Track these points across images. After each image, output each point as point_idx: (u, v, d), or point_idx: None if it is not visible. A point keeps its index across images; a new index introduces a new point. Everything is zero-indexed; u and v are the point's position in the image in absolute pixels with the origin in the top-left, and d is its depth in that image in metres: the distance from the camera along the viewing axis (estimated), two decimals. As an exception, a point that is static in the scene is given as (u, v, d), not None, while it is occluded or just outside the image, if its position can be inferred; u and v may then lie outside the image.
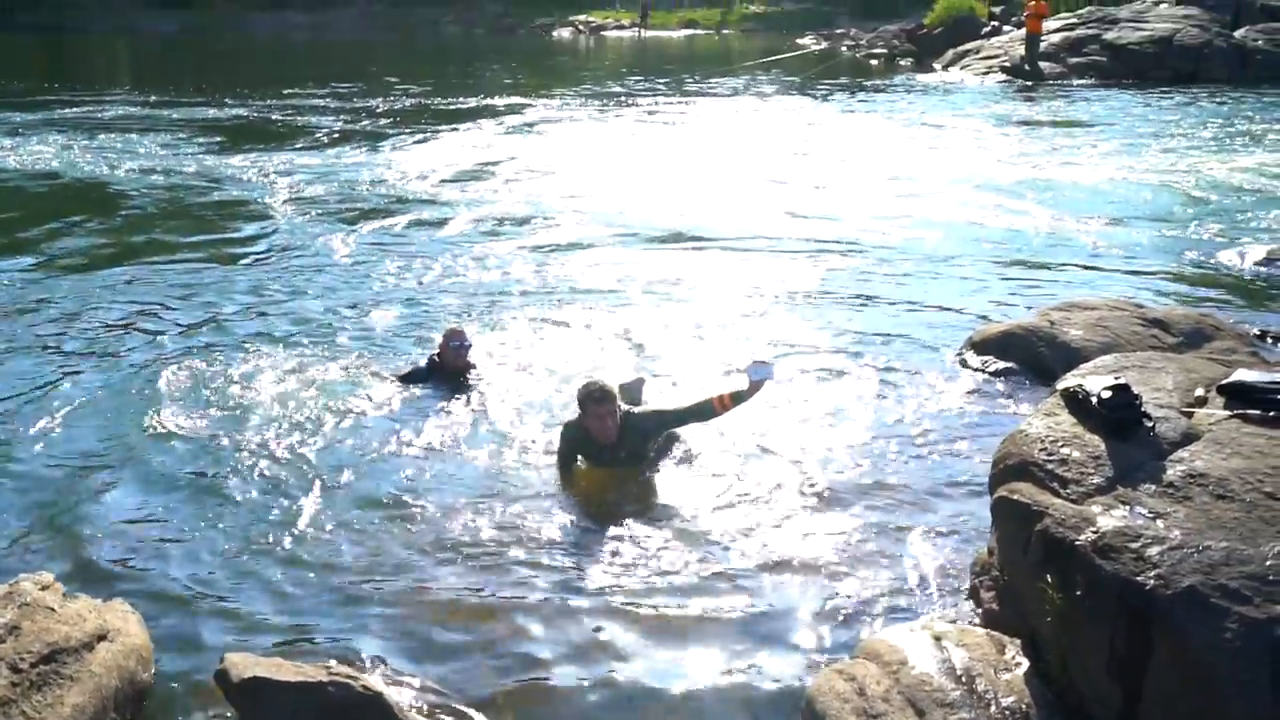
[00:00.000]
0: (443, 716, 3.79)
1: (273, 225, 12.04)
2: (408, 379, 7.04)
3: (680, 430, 5.98)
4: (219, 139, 18.33)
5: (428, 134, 19.30)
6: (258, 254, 10.76)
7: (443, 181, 14.61)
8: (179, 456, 5.98)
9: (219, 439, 6.17)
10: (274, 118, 21.60)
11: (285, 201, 13.26)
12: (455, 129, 19.85)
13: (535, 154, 17.03)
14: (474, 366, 7.12)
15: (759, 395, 5.73)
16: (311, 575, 4.77)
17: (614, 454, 5.70)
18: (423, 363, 7.17)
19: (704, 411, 5.78)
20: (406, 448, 6.11)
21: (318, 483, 5.64)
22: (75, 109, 22.29)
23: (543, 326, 8.25)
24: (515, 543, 5.05)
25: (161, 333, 8.11)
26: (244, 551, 4.97)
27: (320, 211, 12.69)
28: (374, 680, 3.56)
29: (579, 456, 5.80)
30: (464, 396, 6.78)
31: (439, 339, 7.24)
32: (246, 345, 7.74)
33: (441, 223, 12.07)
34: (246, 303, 8.94)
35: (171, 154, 16.83)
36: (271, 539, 5.08)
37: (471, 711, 3.83)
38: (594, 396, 5.56)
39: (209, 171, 15.32)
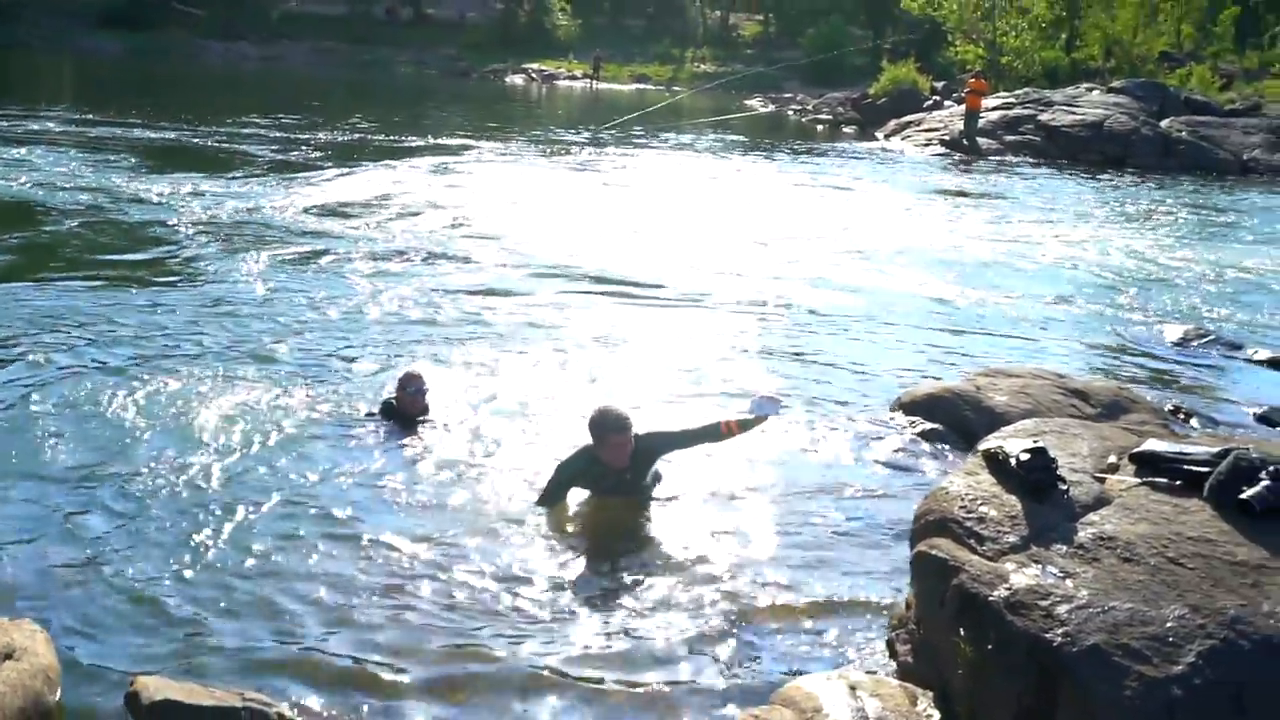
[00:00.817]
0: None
1: (191, 250, 11.85)
2: (364, 421, 6.87)
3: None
4: (150, 161, 18.08)
5: (367, 167, 19.29)
6: (174, 279, 10.56)
7: (379, 217, 14.58)
8: (96, 477, 5.84)
9: (143, 463, 6.05)
10: (209, 143, 21.39)
11: (206, 227, 13.06)
12: (394, 165, 19.75)
13: (476, 195, 17.06)
14: (428, 410, 6.95)
15: (761, 428, 5.88)
16: (229, 604, 4.68)
17: (620, 478, 5.73)
18: (375, 409, 6.98)
19: (712, 434, 5.85)
20: (351, 482, 5.98)
21: (246, 510, 5.54)
22: (4, 121, 21.83)
23: (484, 368, 8.21)
24: (455, 585, 4.98)
25: (87, 350, 7.96)
26: (162, 576, 4.86)
27: (247, 239, 12.47)
28: (287, 710, 3.51)
29: (575, 486, 5.79)
30: (421, 439, 6.65)
31: (393, 384, 7.10)
32: (170, 368, 7.60)
33: (374, 257, 11.99)
34: (165, 325, 8.80)
35: (98, 172, 16.55)
36: (191, 564, 4.98)
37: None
38: (616, 426, 5.56)
39: (134, 192, 15.09)
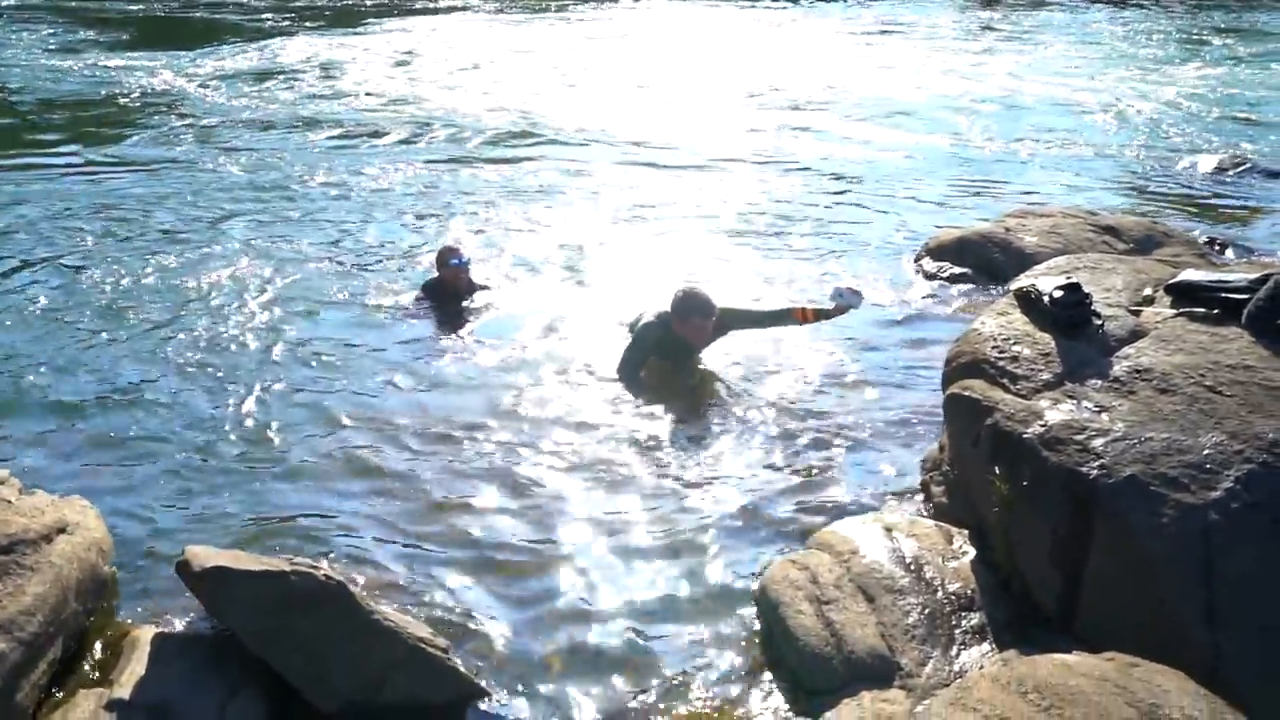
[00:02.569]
0: (411, 609, 3.85)
1: (197, 132, 11.69)
2: (405, 308, 6.55)
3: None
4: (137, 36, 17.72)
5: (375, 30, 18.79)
6: (190, 164, 10.42)
7: (396, 89, 14.28)
8: (141, 360, 5.91)
9: (183, 347, 6.08)
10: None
11: (212, 103, 12.87)
12: (391, 29, 19.21)
13: (490, 61, 16.65)
14: (481, 287, 6.66)
15: (840, 317, 5.82)
16: (277, 480, 4.75)
17: (691, 352, 5.80)
18: (414, 293, 6.67)
19: (784, 318, 5.88)
20: (395, 367, 5.89)
21: (292, 394, 5.55)
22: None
23: (527, 240, 8.06)
24: (509, 462, 4.96)
25: (130, 239, 7.95)
26: (208, 454, 4.95)
27: (261, 116, 12.35)
28: (336, 572, 3.59)
29: (652, 357, 5.78)
30: (469, 320, 6.44)
31: (432, 259, 6.82)
32: (203, 261, 7.56)
33: (388, 135, 11.76)
34: (199, 214, 8.75)
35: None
36: (236, 444, 5.05)
37: (438, 613, 3.88)
38: (704, 310, 5.59)
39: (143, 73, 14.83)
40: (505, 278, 7.20)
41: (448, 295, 6.58)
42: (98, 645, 3.58)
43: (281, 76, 14.74)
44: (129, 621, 3.73)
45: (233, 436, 5.10)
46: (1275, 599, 2.97)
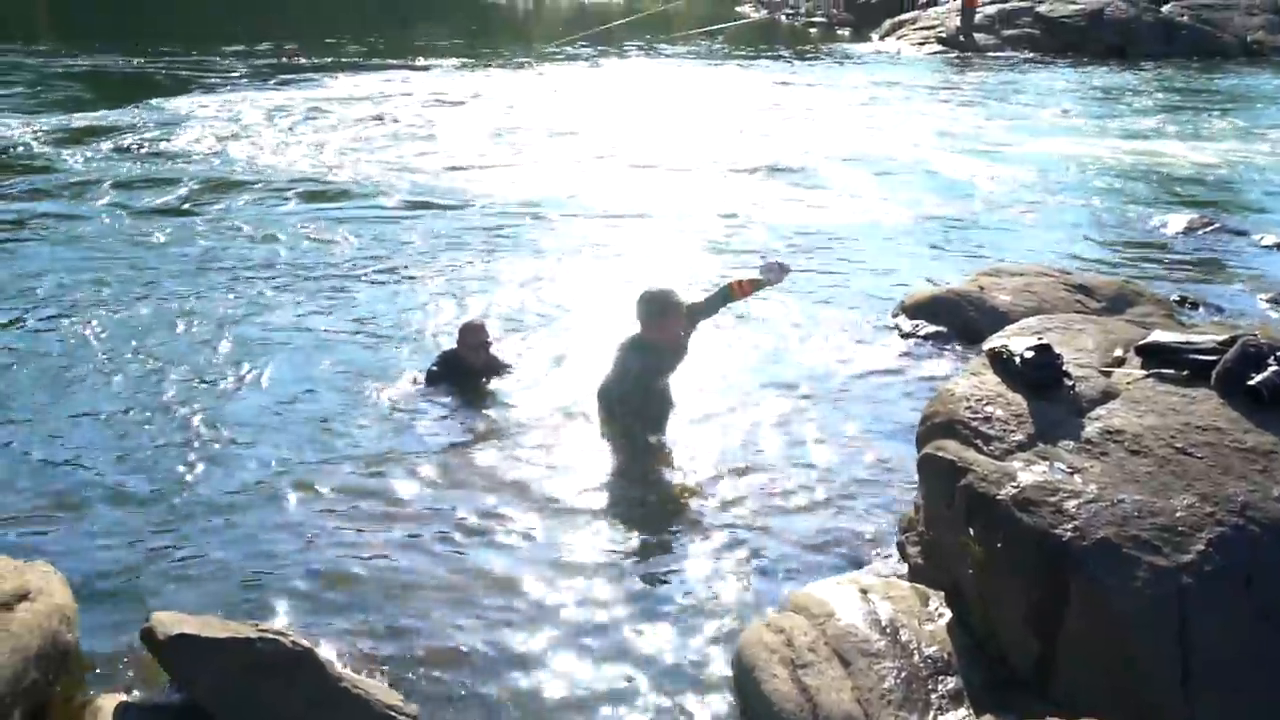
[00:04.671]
0: (375, 673, 3.79)
1: (186, 193, 11.68)
2: (425, 385, 6.29)
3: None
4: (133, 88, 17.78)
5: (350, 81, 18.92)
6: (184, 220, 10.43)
7: (373, 153, 14.33)
8: (109, 421, 5.85)
9: (165, 405, 6.02)
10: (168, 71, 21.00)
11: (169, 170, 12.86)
12: (380, 94, 19.27)
13: (473, 114, 16.78)
14: (506, 367, 6.50)
15: (770, 289, 6.04)
16: (249, 545, 4.69)
17: (675, 352, 5.77)
18: (434, 366, 6.38)
19: (727, 295, 5.95)
20: (379, 437, 5.74)
21: (269, 458, 5.47)
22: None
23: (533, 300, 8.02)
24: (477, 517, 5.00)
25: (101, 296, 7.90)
26: (177, 518, 4.88)
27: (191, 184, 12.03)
28: (301, 639, 3.53)
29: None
30: (487, 397, 6.26)
31: (446, 337, 6.67)
32: (190, 310, 7.54)
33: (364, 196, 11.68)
34: (181, 269, 8.73)
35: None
36: (207, 507, 4.98)
37: (408, 680, 3.83)
38: (674, 307, 5.60)
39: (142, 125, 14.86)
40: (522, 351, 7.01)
41: (466, 373, 6.34)
42: (60, 716, 3.50)
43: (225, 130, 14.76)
44: (92, 691, 3.65)
45: (204, 499, 5.04)
46: (1249, 662, 2.96)
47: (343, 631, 4.08)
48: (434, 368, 6.37)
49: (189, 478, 5.24)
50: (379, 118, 16.20)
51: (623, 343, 5.72)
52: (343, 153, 13.62)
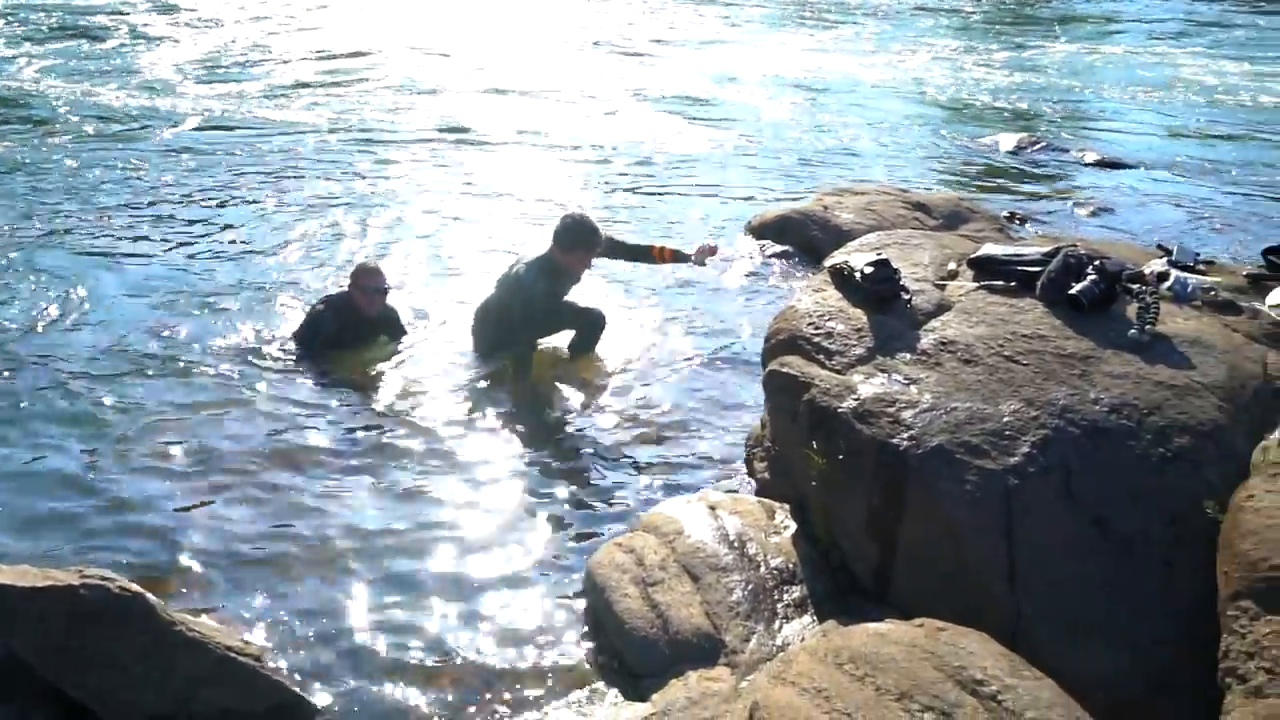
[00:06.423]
0: (233, 619, 3.66)
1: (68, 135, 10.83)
2: (306, 335, 5.64)
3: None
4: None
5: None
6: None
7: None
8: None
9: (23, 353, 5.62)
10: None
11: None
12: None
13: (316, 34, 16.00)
14: (391, 315, 5.84)
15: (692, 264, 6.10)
16: (105, 499, 4.43)
17: (574, 282, 5.72)
18: (319, 304, 5.72)
19: (644, 254, 6.05)
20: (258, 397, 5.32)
21: (139, 405, 5.15)
22: None
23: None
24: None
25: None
26: (29, 472, 4.59)
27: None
28: (131, 584, 3.36)
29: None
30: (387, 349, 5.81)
31: (344, 280, 5.93)
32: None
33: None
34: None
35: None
36: (63, 457, 4.71)
37: (262, 620, 3.72)
38: (593, 242, 5.58)
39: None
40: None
41: (358, 320, 5.73)
42: None
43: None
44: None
45: (63, 450, 4.75)
46: (1069, 555, 3.12)
47: (202, 580, 3.92)
48: (319, 306, 5.72)
49: (20, 423, 4.91)
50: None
51: (529, 261, 5.60)
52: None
